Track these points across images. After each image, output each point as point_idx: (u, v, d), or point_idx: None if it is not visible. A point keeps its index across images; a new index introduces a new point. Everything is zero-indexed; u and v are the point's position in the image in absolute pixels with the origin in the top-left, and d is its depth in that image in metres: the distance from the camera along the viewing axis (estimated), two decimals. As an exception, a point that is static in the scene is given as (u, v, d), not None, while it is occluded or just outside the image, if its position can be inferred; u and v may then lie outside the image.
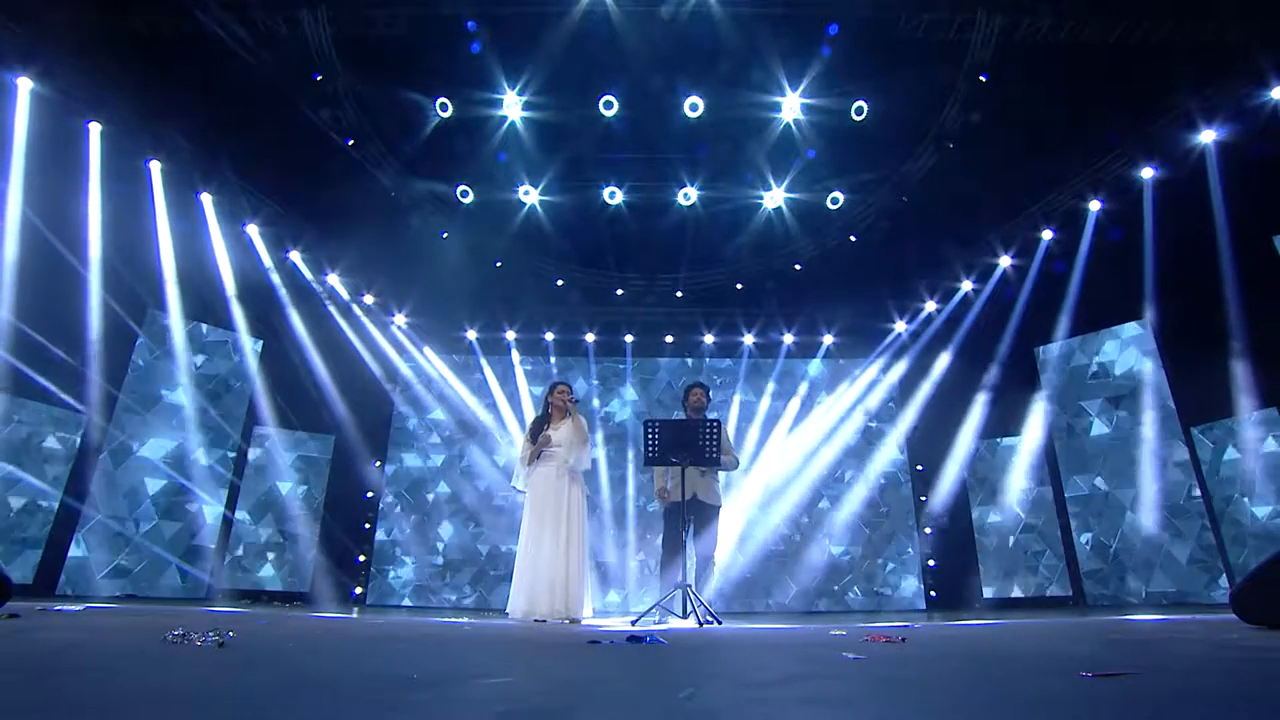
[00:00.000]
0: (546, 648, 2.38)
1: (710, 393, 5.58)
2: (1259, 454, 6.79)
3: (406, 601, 9.27)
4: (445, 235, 8.68)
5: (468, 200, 8.44)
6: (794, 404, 10.22)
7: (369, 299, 9.57)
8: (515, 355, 10.42)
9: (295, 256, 8.77)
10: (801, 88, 7.15)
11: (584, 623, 4.48)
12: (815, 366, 10.42)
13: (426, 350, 10.17)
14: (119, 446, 7.53)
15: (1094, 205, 7.85)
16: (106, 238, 6.91)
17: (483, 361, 10.33)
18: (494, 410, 10.13)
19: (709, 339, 10.36)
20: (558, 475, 4.87)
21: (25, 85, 6.06)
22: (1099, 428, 8.27)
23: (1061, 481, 8.54)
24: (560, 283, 9.57)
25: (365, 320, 9.61)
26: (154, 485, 7.68)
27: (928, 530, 9.38)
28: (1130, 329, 8.20)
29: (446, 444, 10.01)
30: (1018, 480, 8.98)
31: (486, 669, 1.71)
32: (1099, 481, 8.14)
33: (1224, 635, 2.67)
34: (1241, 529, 6.85)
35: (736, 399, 10.25)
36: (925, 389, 9.82)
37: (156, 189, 7.39)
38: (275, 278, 8.61)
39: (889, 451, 9.98)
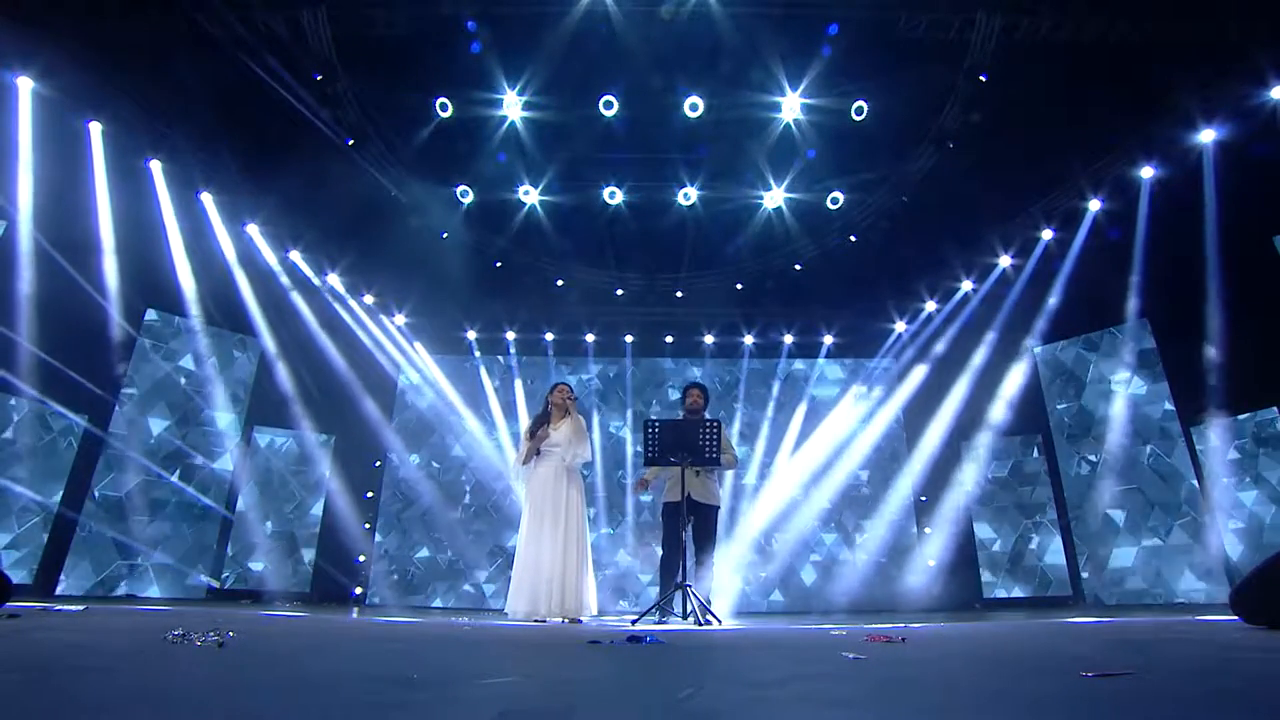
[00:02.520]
0: (546, 648, 2.38)
1: (708, 393, 5.58)
2: (1259, 453, 6.79)
3: (406, 601, 9.27)
4: (445, 235, 8.68)
5: (468, 200, 8.44)
6: (790, 402, 10.23)
7: (369, 298, 9.57)
8: (514, 355, 10.43)
9: (295, 256, 8.77)
10: (801, 88, 7.15)
11: (584, 622, 4.48)
12: (816, 367, 10.42)
13: (418, 345, 10.17)
14: (118, 446, 7.53)
15: (1094, 205, 7.85)
16: (101, 239, 6.92)
17: (480, 364, 10.33)
18: (488, 410, 10.13)
19: (709, 339, 10.36)
20: (556, 474, 4.86)
21: (26, 85, 6.07)
22: (1099, 427, 8.28)
23: (1062, 481, 8.55)
24: (560, 283, 9.57)
25: (365, 320, 9.61)
26: (153, 485, 7.68)
27: (927, 530, 9.39)
28: (1131, 328, 8.20)
29: (446, 444, 10.01)
30: (1016, 478, 8.99)
31: (486, 669, 1.71)
32: (1099, 481, 8.14)
33: (1224, 635, 2.67)
34: (1242, 529, 6.85)
35: (739, 400, 10.25)
36: (925, 389, 9.82)
37: (160, 188, 7.39)
38: (276, 277, 8.61)
39: (888, 451, 9.98)
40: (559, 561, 4.64)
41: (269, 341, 8.78)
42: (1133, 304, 7.94)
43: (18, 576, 6.36)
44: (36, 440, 6.74)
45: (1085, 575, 8.04)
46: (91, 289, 6.82)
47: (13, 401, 6.50)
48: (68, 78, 6.19)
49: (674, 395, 10.02)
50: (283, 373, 8.82)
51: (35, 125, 6.17)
